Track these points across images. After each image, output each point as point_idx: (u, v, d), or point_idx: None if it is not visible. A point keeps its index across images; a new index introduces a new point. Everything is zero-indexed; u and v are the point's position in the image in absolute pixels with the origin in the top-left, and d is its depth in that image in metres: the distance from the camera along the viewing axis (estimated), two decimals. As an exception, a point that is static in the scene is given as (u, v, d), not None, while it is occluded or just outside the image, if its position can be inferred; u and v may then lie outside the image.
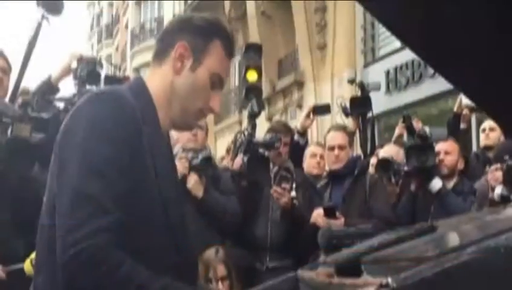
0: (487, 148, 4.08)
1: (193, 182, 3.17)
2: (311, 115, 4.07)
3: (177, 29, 1.43)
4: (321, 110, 4.21)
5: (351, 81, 5.15)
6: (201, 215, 3.16)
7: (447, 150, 3.62)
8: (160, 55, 1.44)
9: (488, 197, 3.25)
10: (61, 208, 1.25)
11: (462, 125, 4.48)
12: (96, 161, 1.25)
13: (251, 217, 3.45)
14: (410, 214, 3.48)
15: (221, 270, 2.82)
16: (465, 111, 4.58)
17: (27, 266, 2.51)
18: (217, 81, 1.44)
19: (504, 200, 3.00)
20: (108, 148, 1.26)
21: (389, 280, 0.80)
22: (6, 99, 3.20)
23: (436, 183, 3.43)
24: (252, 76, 4.59)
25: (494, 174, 3.20)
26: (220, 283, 2.78)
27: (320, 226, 3.20)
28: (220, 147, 11.67)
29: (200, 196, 3.20)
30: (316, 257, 3.22)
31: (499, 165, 3.18)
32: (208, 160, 3.25)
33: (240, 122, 12.46)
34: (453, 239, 1.21)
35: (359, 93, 4.38)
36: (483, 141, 4.37)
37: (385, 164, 3.64)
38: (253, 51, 4.74)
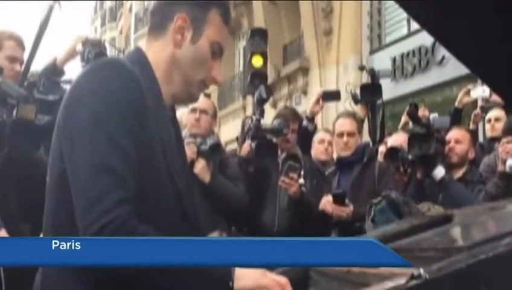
0: (493, 139, 4.04)
1: (200, 167, 3.15)
2: (321, 101, 4.02)
3: (173, 2, 1.39)
4: (331, 96, 4.16)
5: (361, 68, 5.07)
6: (208, 200, 3.13)
7: (458, 139, 3.57)
8: (156, 28, 1.40)
9: (498, 170, 3.26)
10: (78, 182, 1.20)
11: (472, 126, 4.45)
12: (108, 131, 1.21)
13: (258, 204, 3.41)
14: (417, 202, 3.44)
15: None
16: (477, 111, 4.55)
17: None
18: (218, 50, 1.41)
19: None
20: (117, 117, 1.22)
21: (421, 270, 0.76)
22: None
23: (439, 172, 3.39)
24: (257, 61, 4.52)
25: (506, 146, 3.19)
26: None
27: (329, 213, 3.18)
28: (224, 132, 11.63)
29: (207, 181, 3.17)
30: (324, 244, 3.20)
31: (510, 138, 3.17)
32: (217, 147, 3.22)
33: (244, 108, 12.39)
34: (478, 230, 1.16)
35: (365, 81, 4.32)
36: (489, 132, 4.34)
37: (394, 153, 3.61)
38: (259, 36, 4.67)
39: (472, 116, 4.62)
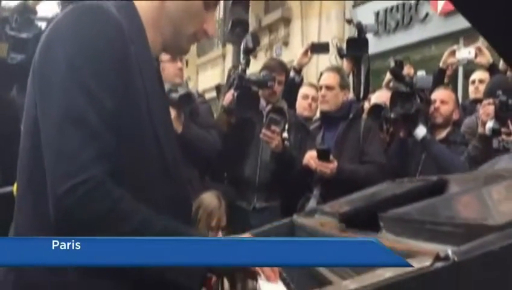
0: (476, 101, 4.02)
1: (172, 117, 3.02)
2: (309, 53, 3.90)
3: None
4: (320, 48, 4.04)
5: (349, 21, 4.94)
6: (181, 150, 3.03)
7: (443, 99, 3.53)
8: None
9: (478, 132, 3.25)
10: (48, 135, 1.10)
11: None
12: (83, 78, 1.10)
13: (240, 156, 3.35)
14: (400, 161, 3.42)
15: (224, 221, 2.77)
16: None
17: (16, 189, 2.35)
18: (211, 2, 1.31)
19: (495, 133, 3.05)
20: (95, 67, 1.12)
21: (449, 251, 0.69)
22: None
23: (421, 131, 3.36)
24: (238, 9, 4.31)
25: (486, 108, 3.17)
26: (220, 232, 2.73)
27: (312, 168, 3.13)
28: (202, 80, 11.45)
29: (179, 131, 3.08)
30: (306, 199, 3.17)
31: (491, 100, 3.16)
32: (187, 97, 3.09)
33: (224, 56, 12.16)
34: (502, 204, 1.09)
35: (348, 33, 4.20)
36: (472, 94, 4.32)
37: (377, 110, 3.56)
38: (241, -17, 4.45)
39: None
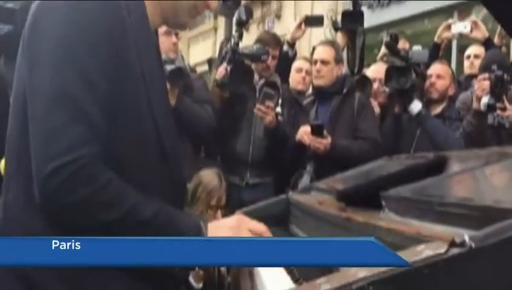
0: (471, 76, 3.98)
1: None
2: (303, 26, 3.82)
3: None
4: (314, 21, 3.96)
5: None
6: (175, 125, 2.97)
7: (439, 74, 3.48)
8: None
9: (472, 108, 3.20)
10: (35, 112, 1.04)
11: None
12: (76, 58, 1.04)
13: (232, 131, 3.30)
14: (395, 136, 3.39)
15: (224, 200, 2.72)
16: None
17: (2, 166, 2.28)
18: None
19: (490, 109, 3.01)
20: (88, 43, 1.05)
21: (466, 237, 0.65)
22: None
23: (416, 106, 3.32)
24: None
25: (481, 84, 3.13)
26: (219, 211, 2.69)
27: (306, 144, 3.09)
28: (193, 53, 11.32)
29: (173, 104, 3.02)
30: (300, 175, 3.14)
31: (486, 75, 3.11)
32: (177, 72, 3.02)
33: (215, 29, 11.99)
34: (498, 182, 1.06)
35: (341, 7, 4.12)
36: (467, 70, 4.27)
37: (364, 82, 3.52)
38: (234, -48, 4.34)
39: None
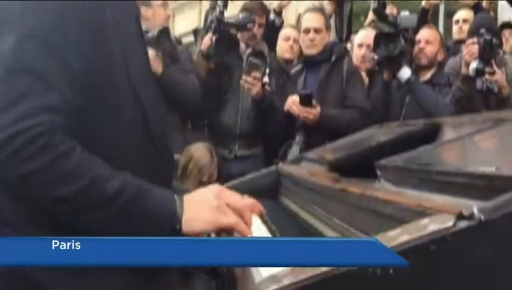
0: (460, 41, 3.93)
1: (151, 58, 2.90)
2: (289, -7, 3.73)
3: None
4: (300, -12, 3.86)
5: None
6: (162, 94, 2.92)
7: (428, 39, 3.42)
8: None
9: (461, 73, 3.18)
10: None
11: None
12: (40, 28, 0.98)
13: (219, 103, 3.23)
14: (384, 104, 3.34)
15: (215, 176, 2.67)
16: None
17: None
18: None
19: (478, 74, 2.98)
20: (55, 14, 1.00)
21: (474, 209, 0.60)
22: None
23: (405, 73, 3.27)
24: None
25: (470, 48, 3.10)
26: None
27: (295, 114, 3.03)
28: (179, 24, 11.10)
29: (160, 72, 2.95)
30: (289, 146, 3.09)
31: (475, 39, 3.08)
32: (164, 31, 2.95)
33: (200, -1, 11.76)
34: (499, 149, 1.01)
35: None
36: (456, 35, 4.23)
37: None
38: None
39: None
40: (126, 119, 1.09)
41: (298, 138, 3.07)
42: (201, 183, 2.59)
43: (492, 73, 3.05)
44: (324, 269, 0.66)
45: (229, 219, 1.03)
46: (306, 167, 1.90)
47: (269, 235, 1.36)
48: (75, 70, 0.99)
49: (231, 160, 3.18)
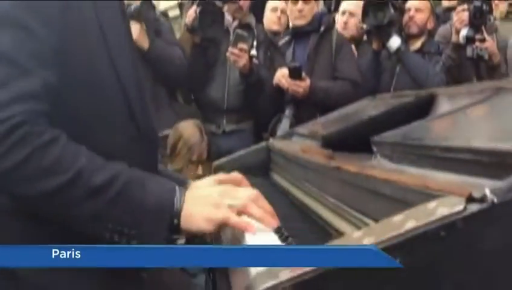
0: (449, 9, 3.87)
1: (137, 32, 2.83)
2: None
3: None
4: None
5: None
6: (149, 68, 2.93)
7: (418, 7, 3.36)
8: None
9: (451, 41, 3.15)
10: None
11: None
12: (10, 10, 0.92)
13: (206, 77, 3.14)
14: (374, 75, 3.29)
15: (205, 155, 2.59)
16: None
17: None
18: None
19: (469, 41, 2.96)
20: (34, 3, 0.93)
21: (486, 190, 0.55)
22: None
23: (395, 42, 3.21)
24: None
25: (461, 15, 3.06)
26: (200, 166, 2.57)
27: (284, 87, 2.96)
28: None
29: (147, 46, 2.93)
30: (278, 120, 3.03)
31: (465, 6, 3.04)
32: (147, 3, 2.87)
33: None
34: (503, 121, 0.95)
35: None
36: (445, 2, 4.16)
37: None
38: None
39: None
40: (107, 99, 1.03)
41: (288, 112, 3.01)
42: (190, 163, 2.53)
43: (483, 40, 3.01)
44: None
45: (231, 219, 0.95)
46: (297, 142, 1.84)
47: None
48: (48, 51, 0.93)
49: (219, 135, 3.12)
